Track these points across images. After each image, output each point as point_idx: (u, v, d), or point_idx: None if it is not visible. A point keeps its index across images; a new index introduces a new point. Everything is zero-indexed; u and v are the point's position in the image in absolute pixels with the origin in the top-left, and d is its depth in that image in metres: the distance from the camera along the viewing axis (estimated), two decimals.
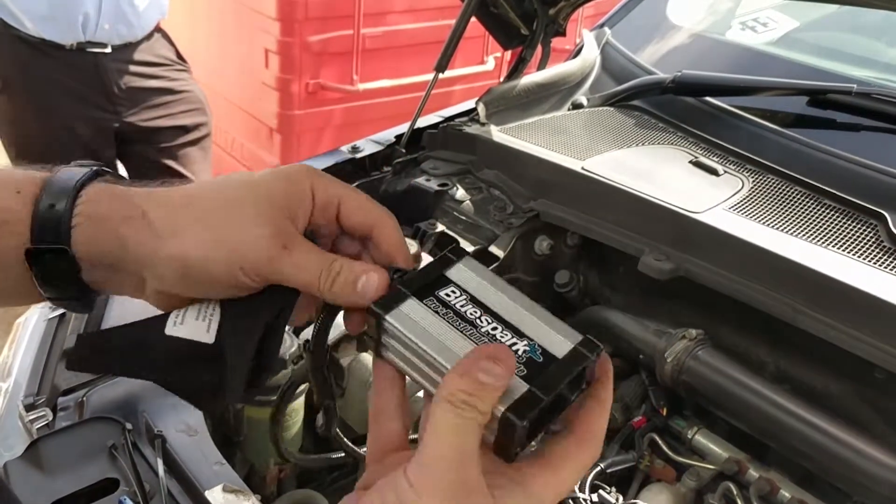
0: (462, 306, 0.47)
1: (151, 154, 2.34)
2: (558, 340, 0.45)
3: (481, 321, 0.46)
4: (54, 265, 0.50)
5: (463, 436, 0.41)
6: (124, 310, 1.10)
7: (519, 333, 0.46)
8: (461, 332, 0.45)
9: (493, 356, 0.42)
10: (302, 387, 1.13)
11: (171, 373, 0.50)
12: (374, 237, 0.51)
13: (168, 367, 0.50)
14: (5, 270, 0.50)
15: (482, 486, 0.41)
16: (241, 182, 0.51)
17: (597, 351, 0.45)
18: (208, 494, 0.81)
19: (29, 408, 0.94)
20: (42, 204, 0.49)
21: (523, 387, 0.42)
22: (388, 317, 0.46)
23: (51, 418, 0.93)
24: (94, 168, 0.52)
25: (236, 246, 0.48)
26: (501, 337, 0.45)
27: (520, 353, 0.44)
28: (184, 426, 0.91)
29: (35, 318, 1.11)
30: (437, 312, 0.46)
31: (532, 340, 0.45)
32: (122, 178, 0.54)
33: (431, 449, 0.41)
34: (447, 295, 0.47)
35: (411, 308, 0.46)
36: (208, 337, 0.49)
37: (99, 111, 2.22)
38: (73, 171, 0.51)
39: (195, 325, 0.49)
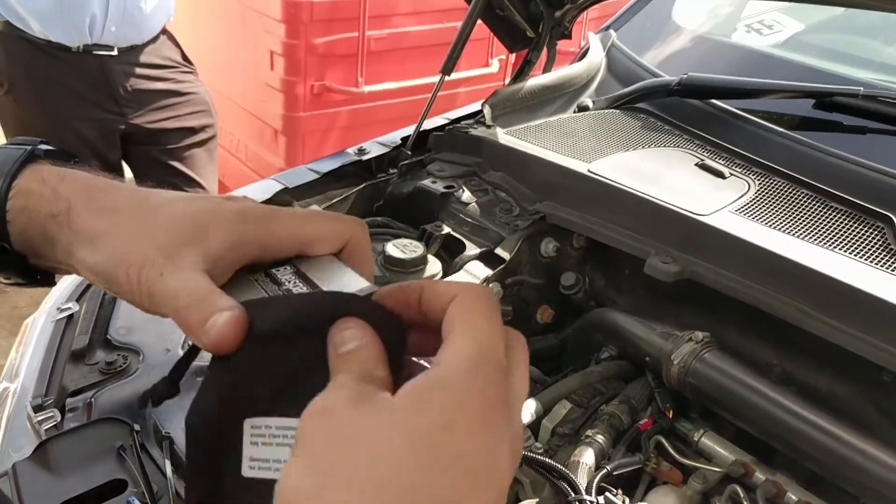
0: (282, 275, 0.47)
1: (157, 156, 2.35)
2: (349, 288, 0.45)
3: (289, 283, 0.46)
4: (1, 258, 0.51)
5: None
6: (132, 308, 1.10)
7: (313, 285, 0.46)
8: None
9: (341, 328, 0.41)
10: None
11: None
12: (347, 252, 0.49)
13: None
14: None
15: (366, 388, 0.38)
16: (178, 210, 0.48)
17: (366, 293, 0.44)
18: None
19: (37, 409, 0.95)
20: None
21: None
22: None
23: (59, 419, 0.93)
24: (28, 149, 0.52)
25: (124, 266, 0.47)
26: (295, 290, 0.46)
27: None
28: None
29: (43, 320, 1.12)
30: (260, 284, 0.47)
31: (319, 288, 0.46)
32: (57, 156, 0.54)
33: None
34: (277, 271, 0.48)
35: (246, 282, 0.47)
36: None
37: (104, 113, 2.23)
38: (5, 157, 0.51)
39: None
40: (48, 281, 0.55)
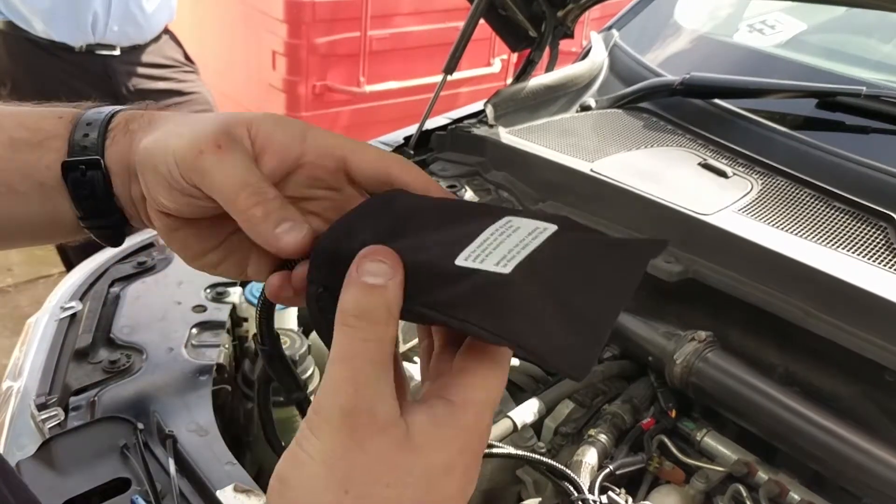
0: None
1: None
2: None
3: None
4: (88, 180, 0.51)
5: (353, 359, 0.38)
6: (135, 307, 1.11)
7: None
8: None
9: (372, 254, 0.39)
10: (311, 387, 1.14)
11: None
12: (395, 181, 0.48)
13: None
14: (43, 190, 0.52)
15: (388, 415, 0.38)
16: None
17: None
18: (219, 494, 0.82)
19: (41, 407, 0.95)
20: (80, 123, 0.52)
21: None
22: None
23: (63, 418, 0.93)
24: (114, 108, 0.55)
25: (180, 137, 0.47)
26: None
27: None
28: (195, 426, 0.91)
29: (46, 319, 1.12)
30: None
31: None
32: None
33: (324, 380, 0.38)
34: None
35: None
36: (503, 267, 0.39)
37: None
38: (109, 106, 0.54)
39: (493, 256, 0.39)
40: (119, 231, 0.55)
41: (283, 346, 1.07)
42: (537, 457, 0.98)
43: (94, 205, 0.52)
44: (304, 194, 0.50)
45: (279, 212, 0.44)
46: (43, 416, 0.93)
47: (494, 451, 0.98)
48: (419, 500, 0.38)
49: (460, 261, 0.39)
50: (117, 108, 0.54)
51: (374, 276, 0.39)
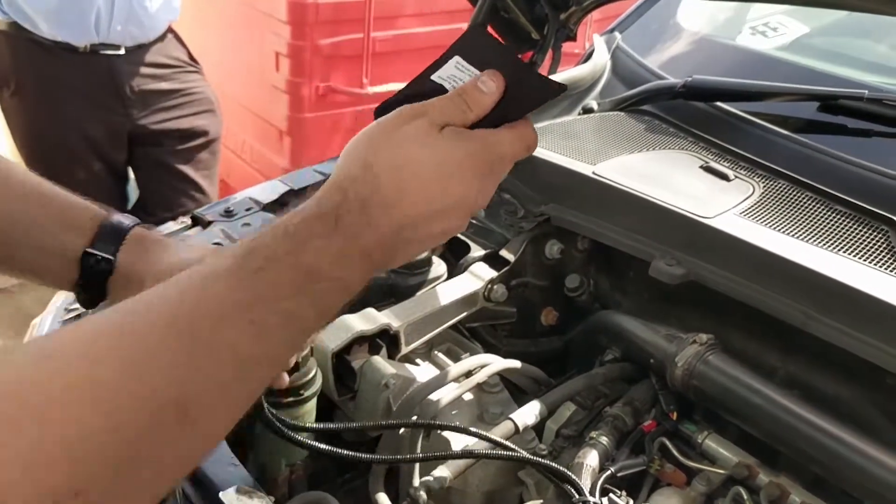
0: None
1: (162, 156, 2.35)
2: None
3: None
4: (96, 267, 0.77)
5: None
6: None
7: None
8: None
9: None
10: (314, 389, 1.14)
11: None
12: None
13: None
14: (62, 259, 0.77)
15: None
16: None
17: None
18: (222, 495, 0.82)
19: None
20: (106, 223, 0.79)
21: None
22: None
23: None
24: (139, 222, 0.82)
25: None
26: None
27: None
28: None
29: (50, 320, 1.12)
30: None
31: None
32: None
33: None
34: None
35: None
36: None
37: (111, 114, 2.23)
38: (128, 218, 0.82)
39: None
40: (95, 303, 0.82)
41: None
42: (538, 459, 0.98)
43: (91, 284, 0.78)
44: None
45: None
46: None
47: (495, 452, 0.98)
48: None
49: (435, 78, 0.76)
50: (135, 221, 0.81)
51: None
